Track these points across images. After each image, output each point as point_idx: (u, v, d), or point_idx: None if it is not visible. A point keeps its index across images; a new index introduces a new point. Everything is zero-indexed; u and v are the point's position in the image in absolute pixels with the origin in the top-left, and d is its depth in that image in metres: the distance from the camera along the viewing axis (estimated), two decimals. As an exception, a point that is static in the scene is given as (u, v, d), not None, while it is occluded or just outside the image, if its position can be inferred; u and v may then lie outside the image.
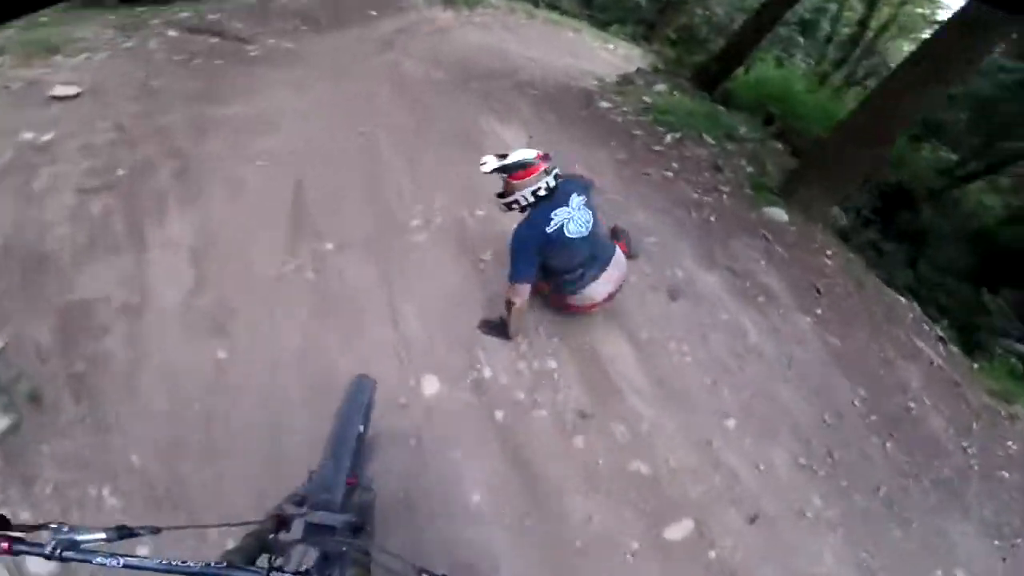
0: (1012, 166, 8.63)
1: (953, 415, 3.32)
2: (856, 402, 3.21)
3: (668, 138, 5.25)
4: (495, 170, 2.55)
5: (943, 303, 5.48)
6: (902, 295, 4.49)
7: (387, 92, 5.26)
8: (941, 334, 4.02)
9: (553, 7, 9.86)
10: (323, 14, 6.91)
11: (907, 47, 12.90)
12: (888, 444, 3.04)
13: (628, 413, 2.74)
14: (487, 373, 2.78)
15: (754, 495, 2.59)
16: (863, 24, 12.44)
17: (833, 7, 12.57)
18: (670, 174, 4.67)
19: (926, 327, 4.06)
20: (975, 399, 3.49)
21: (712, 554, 2.36)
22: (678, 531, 2.40)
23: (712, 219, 4.24)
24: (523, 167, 2.53)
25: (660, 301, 3.38)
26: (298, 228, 3.38)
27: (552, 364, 2.86)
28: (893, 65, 12.72)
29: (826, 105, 8.56)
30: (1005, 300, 5.98)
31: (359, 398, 1.64)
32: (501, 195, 2.66)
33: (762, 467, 2.72)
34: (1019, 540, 2.79)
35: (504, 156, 2.57)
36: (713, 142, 5.39)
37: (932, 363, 3.65)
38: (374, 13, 7.45)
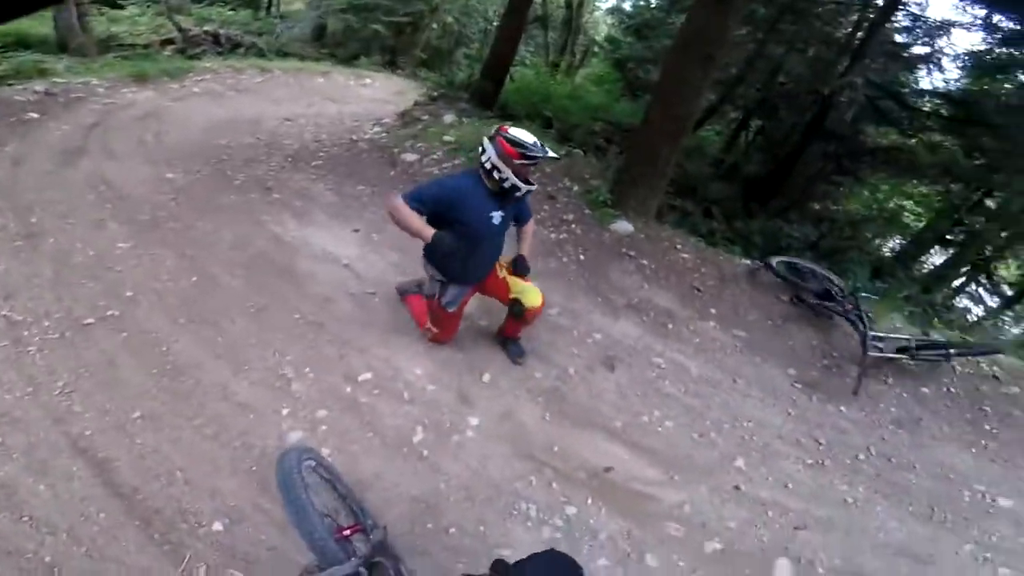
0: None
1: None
2: (796, 383, 3.43)
3: (492, 177, 4.88)
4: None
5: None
6: (734, 253, 4.91)
7: (115, 231, 3.73)
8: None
9: (284, 54, 8.65)
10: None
11: (608, 20, 14.74)
12: (842, 408, 3.30)
13: (668, 508, 2.53)
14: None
15: (805, 510, 2.62)
16: (569, 6, 13.58)
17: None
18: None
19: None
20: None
21: (820, 570, 2.36)
22: (781, 572, 2.35)
23: (582, 257, 4.05)
24: None
25: (605, 379, 3.14)
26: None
27: (572, 511, 2.40)
28: (599, 39, 14.58)
29: (578, 95, 9.20)
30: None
31: (287, 468, 1.58)
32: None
33: (790, 485, 2.74)
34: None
35: (533, 151, 2.38)
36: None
37: (776, 301, 3.98)
38: (34, 115, 5.42)
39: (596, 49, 14.19)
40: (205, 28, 9.06)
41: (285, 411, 2.58)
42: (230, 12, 11.02)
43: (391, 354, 2.99)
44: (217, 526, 2.08)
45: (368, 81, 8.76)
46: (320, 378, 2.78)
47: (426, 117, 6.22)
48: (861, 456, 2.97)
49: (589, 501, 2.44)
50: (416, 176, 4.89)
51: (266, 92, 7.50)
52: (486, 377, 2.97)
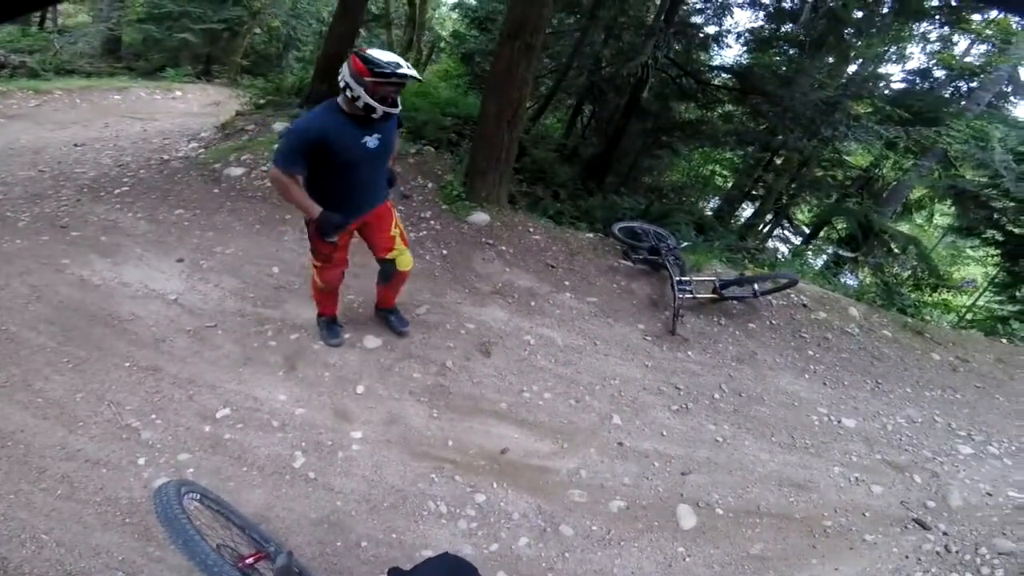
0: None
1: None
2: (646, 336, 3.76)
3: (336, 183, 4.66)
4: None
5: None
6: (581, 229, 5.30)
7: None
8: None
9: (67, 72, 7.32)
10: None
11: (453, 15, 14.75)
12: (689, 352, 3.68)
13: (567, 476, 2.63)
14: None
15: (686, 454, 2.86)
16: (412, 3, 13.26)
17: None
18: (372, 224, 4.20)
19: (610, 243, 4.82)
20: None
21: (720, 511, 2.57)
22: (686, 519, 2.51)
23: (444, 252, 4.07)
24: None
25: (483, 365, 3.19)
26: None
27: (481, 499, 2.43)
28: (445, 35, 14.59)
29: (426, 92, 9.09)
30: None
31: (165, 501, 1.50)
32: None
33: (664, 433, 2.98)
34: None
35: (384, 68, 2.26)
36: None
37: (616, 266, 4.41)
38: None
39: (443, 45, 14.18)
40: (-49, 51, 7.35)
41: (142, 460, 2.36)
42: (-14, 30, 9.10)
43: (247, 386, 2.76)
44: (114, 581, 1.92)
45: (179, 94, 7.79)
46: (172, 422, 2.54)
47: (252, 127, 5.70)
48: (717, 395, 3.32)
49: (495, 485, 2.49)
50: (246, 191, 4.49)
51: (46, 116, 6.32)
52: (360, 389, 2.87)
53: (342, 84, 2.31)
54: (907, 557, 2.46)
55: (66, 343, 2.89)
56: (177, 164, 5.06)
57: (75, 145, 5.66)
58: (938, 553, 2.49)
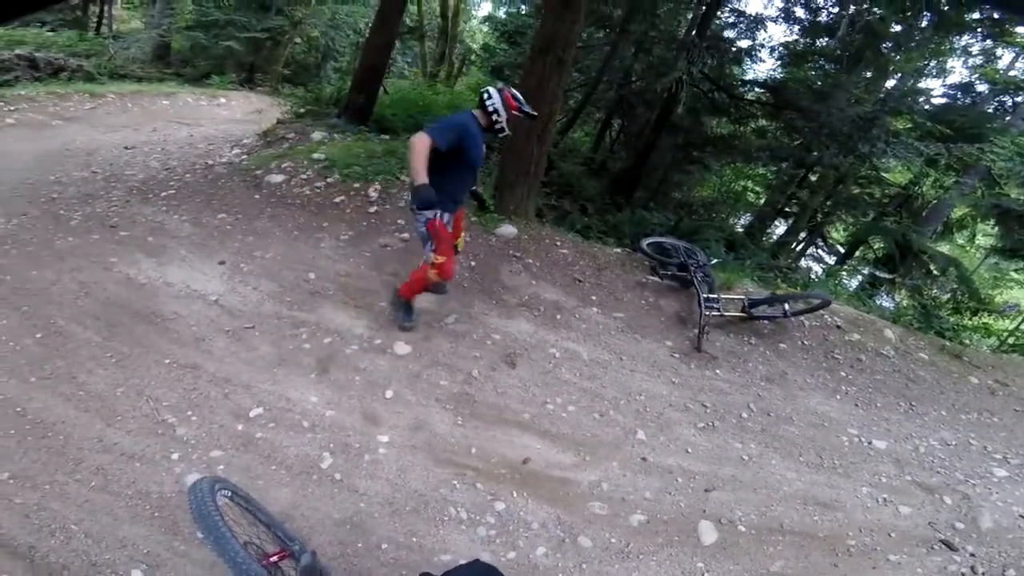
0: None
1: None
2: (674, 353, 3.73)
3: (372, 193, 4.79)
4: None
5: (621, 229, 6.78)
6: (608, 244, 5.30)
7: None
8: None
9: (120, 76, 7.74)
10: None
11: (484, 28, 15.01)
12: (717, 371, 3.64)
13: (588, 488, 2.64)
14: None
15: (710, 471, 2.85)
16: (444, 16, 13.66)
17: (411, 6, 13.28)
18: (406, 235, 4.29)
19: (638, 258, 4.79)
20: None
21: (742, 528, 2.55)
22: (707, 534, 2.50)
23: (472, 264, 4.13)
24: None
25: (508, 376, 3.23)
26: None
27: (501, 507, 2.46)
28: (476, 47, 14.85)
29: (457, 104, 9.25)
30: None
31: (199, 497, 1.54)
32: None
33: (689, 450, 2.97)
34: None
35: (525, 108, 3.08)
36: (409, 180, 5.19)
37: (644, 282, 4.39)
38: None
39: (473, 57, 14.43)
40: (17, 52, 7.87)
41: (175, 456, 2.45)
42: (49, 33, 9.73)
43: (280, 386, 2.86)
44: (136, 574, 1.99)
45: (223, 100, 8.14)
46: (206, 419, 2.63)
47: (292, 135, 5.92)
48: (744, 414, 3.28)
49: (515, 494, 2.52)
50: (285, 198, 4.65)
51: (100, 119, 6.67)
52: (389, 393, 2.94)
53: (491, 108, 3.03)
54: (931, 577, 2.40)
55: (111, 338, 3.03)
56: (221, 169, 5.28)
57: (125, 148, 5.95)
58: (964, 574, 2.43)
